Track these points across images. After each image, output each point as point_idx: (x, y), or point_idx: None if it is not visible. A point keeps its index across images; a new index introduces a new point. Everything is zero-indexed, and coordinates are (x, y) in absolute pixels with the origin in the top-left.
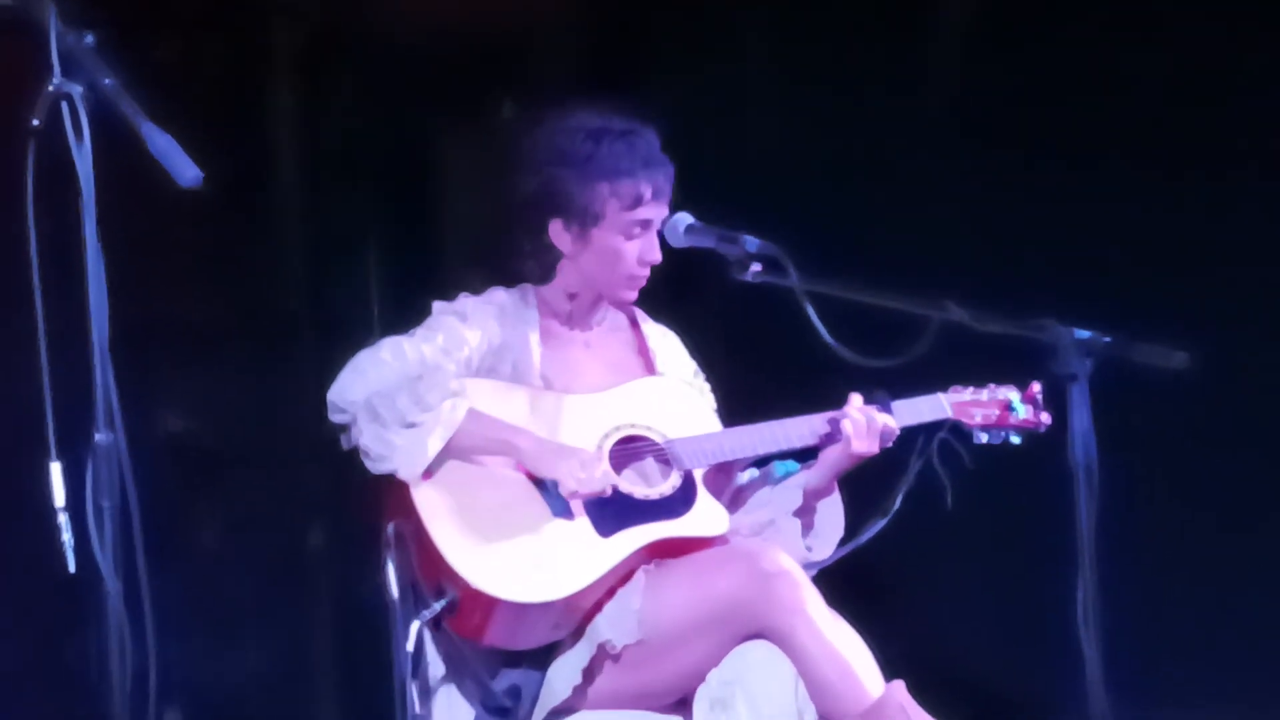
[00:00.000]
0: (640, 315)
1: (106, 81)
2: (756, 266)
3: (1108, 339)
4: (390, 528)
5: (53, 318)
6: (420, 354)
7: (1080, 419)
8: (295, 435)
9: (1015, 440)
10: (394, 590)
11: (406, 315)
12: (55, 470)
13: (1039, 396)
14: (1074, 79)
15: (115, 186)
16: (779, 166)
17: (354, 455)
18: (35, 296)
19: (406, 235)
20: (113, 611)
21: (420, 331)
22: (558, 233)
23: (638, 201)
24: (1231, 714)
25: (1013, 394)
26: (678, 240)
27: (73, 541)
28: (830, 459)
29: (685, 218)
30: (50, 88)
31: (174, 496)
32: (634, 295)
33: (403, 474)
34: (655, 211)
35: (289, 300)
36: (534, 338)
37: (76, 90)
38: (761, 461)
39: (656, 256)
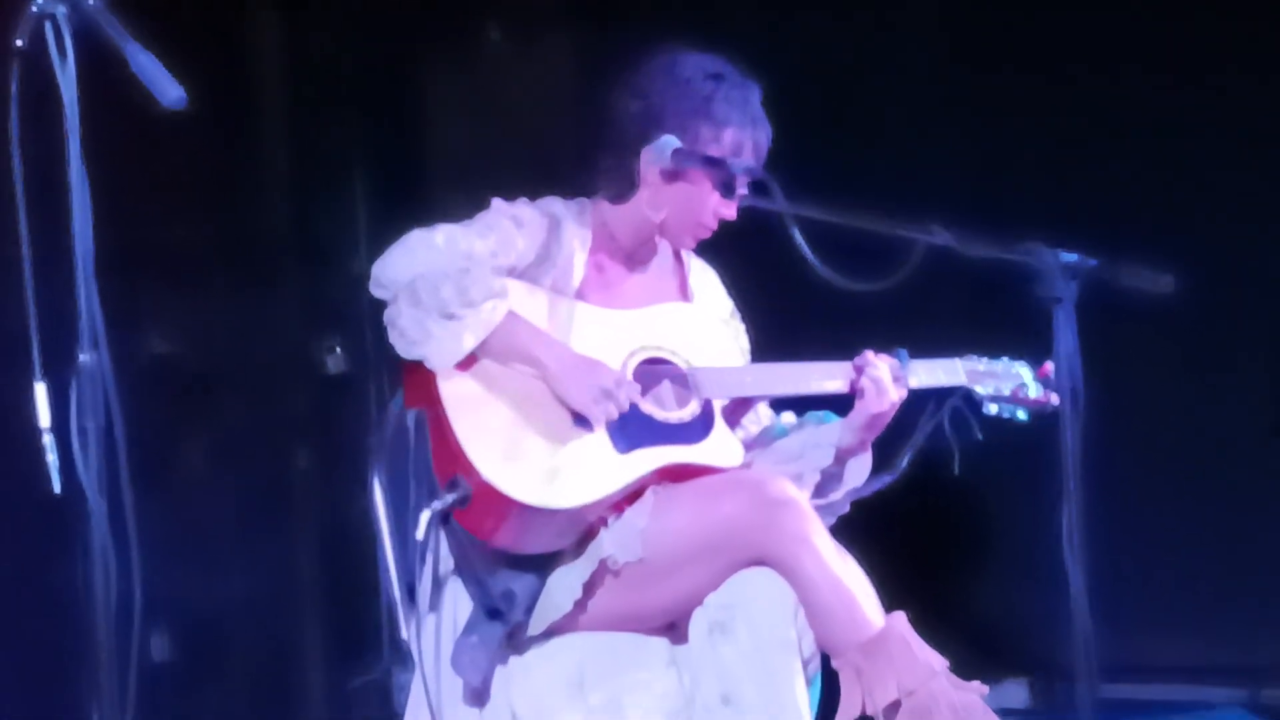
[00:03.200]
0: None
1: (90, 2)
2: (742, 190)
3: (1094, 262)
4: (411, 414)
5: (37, 239)
6: (472, 248)
7: (1065, 342)
8: (281, 358)
9: (1022, 416)
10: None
11: (393, 240)
12: (40, 391)
13: (1051, 376)
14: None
15: (100, 108)
16: (765, 90)
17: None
18: (19, 217)
19: (392, 160)
20: (97, 532)
21: (476, 225)
22: (648, 160)
23: (737, 154)
24: (1214, 635)
25: (1025, 370)
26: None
27: (57, 462)
28: (854, 421)
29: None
30: (33, 8)
31: (159, 418)
32: (693, 245)
33: (433, 363)
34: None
35: (275, 223)
36: (580, 257)
37: (60, 10)
38: (795, 410)
39: (732, 214)
